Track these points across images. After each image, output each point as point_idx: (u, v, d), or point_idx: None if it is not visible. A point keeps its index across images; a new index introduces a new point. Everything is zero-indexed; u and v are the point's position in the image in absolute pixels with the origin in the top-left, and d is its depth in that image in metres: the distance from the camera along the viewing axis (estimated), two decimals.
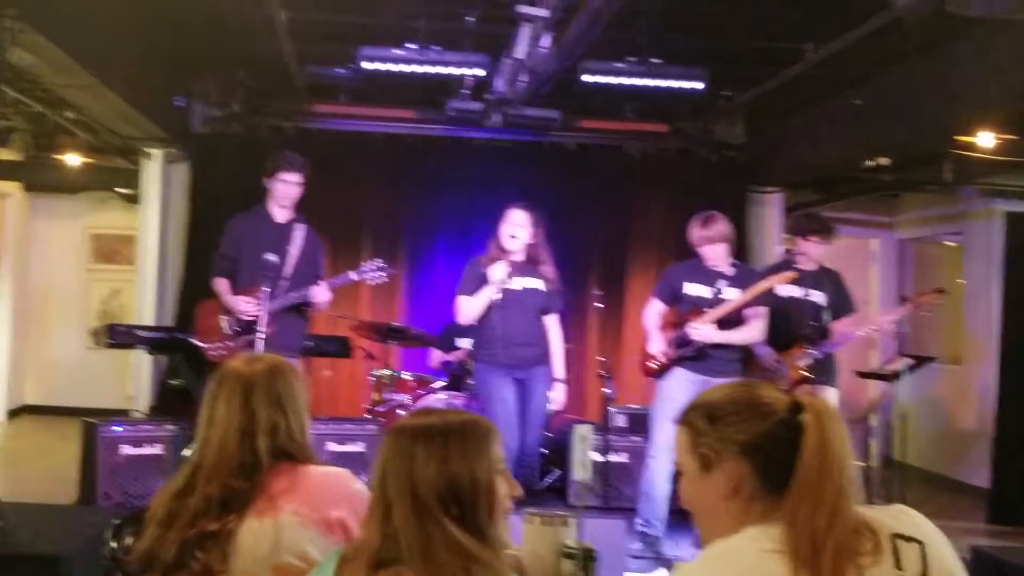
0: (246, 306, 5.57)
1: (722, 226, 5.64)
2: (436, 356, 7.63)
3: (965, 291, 8.82)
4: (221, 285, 5.73)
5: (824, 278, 6.15)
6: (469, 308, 5.48)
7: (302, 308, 5.76)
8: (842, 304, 6.22)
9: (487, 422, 1.89)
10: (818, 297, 6.05)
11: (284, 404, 2.28)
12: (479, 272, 5.48)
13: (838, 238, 9.51)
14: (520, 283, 5.46)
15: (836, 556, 1.52)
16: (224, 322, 5.70)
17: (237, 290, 5.67)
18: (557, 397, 5.62)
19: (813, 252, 6.08)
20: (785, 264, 6.17)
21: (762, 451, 1.66)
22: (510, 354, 5.38)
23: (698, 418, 1.77)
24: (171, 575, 2.10)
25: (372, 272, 5.79)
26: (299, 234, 5.78)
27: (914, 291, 9.11)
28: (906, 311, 6.21)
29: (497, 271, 5.40)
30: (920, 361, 6.83)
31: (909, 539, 1.61)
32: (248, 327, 5.56)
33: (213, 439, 2.24)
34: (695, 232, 5.70)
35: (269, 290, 5.44)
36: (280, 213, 5.80)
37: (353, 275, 5.78)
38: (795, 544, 1.53)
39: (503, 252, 5.47)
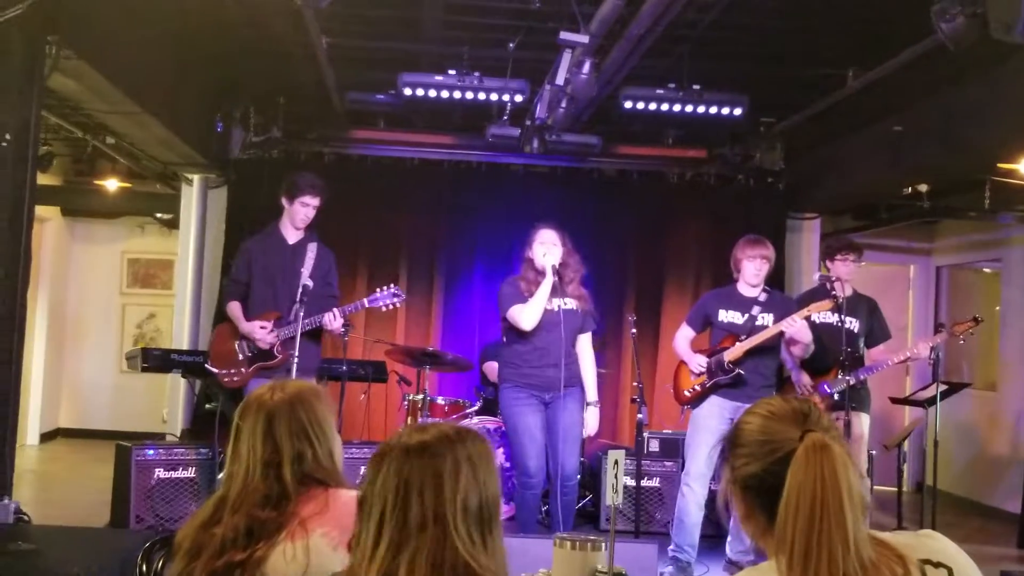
0: (263, 333, 5.54)
1: (765, 248, 5.69)
2: (493, 370, 7.52)
3: (1000, 317, 8.74)
4: (235, 310, 5.71)
5: (859, 304, 6.14)
6: (532, 310, 5.32)
7: (315, 331, 5.70)
8: (877, 331, 6.24)
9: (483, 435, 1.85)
10: (853, 324, 6.03)
11: (309, 432, 2.26)
12: (519, 289, 5.40)
13: (876, 264, 9.53)
14: (555, 304, 5.36)
15: None
16: (238, 348, 5.67)
17: (251, 315, 5.64)
18: (591, 421, 5.54)
19: (843, 271, 6.09)
20: (822, 290, 6.14)
21: (759, 488, 1.66)
22: (539, 375, 5.29)
23: (727, 446, 1.76)
24: None
25: (385, 299, 5.75)
26: (311, 254, 5.71)
27: (950, 318, 9.04)
28: (942, 339, 6.17)
29: (550, 258, 5.32)
30: (954, 387, 6.78)
31: (937, 564, 1.61)
32: (263, 353, 5.57)
33: (238, 472, 2.23)
34: (741, 248, 5.72)
35: (277, 310, 5.51)
36: (294, 234, 5.77)
37: (365, 302, 5.76)
38: None
39: (537, 272, 5.39)
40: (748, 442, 1.69)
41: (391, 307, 5.85)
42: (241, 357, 5.65)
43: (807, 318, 5.61)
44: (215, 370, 5.72)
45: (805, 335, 5.57)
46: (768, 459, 1.64)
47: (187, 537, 2.18)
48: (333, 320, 5.57)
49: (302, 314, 5.47)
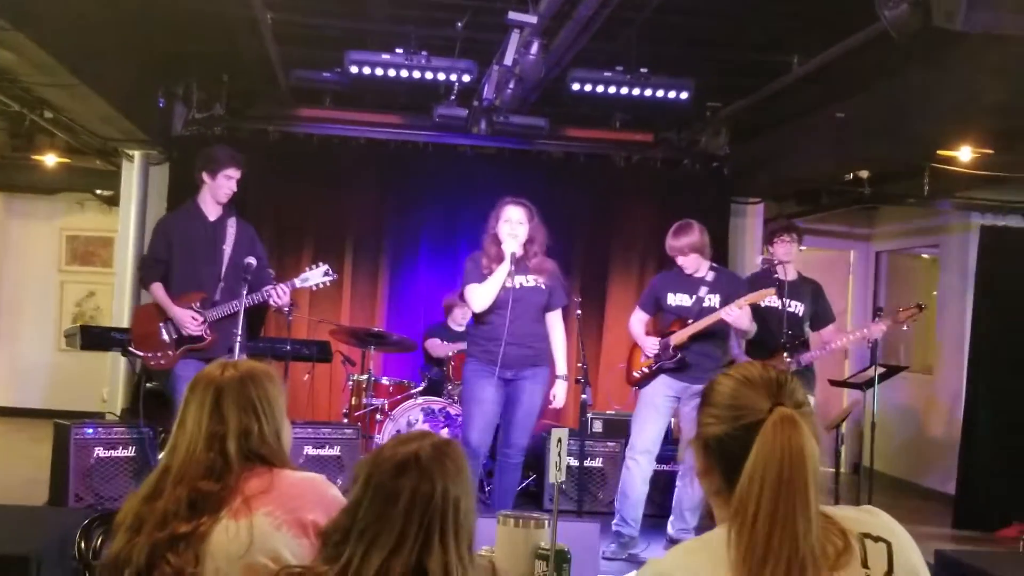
0: (193, 325, 5.39)
1: (691, 237, 5.69)
2: (438, 348, 7.51)
3: (938, 302, 8.93)
4: (160, 292, 5.48)
5: (803, 288, 6.23)
6: (485, 290, 5.28)
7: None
8: (821, 314, 6.32)
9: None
10: (797, 307, 6.13)
11: (257, 408, 2.26)
12: (480, 267, 5.35)
13: (817, 249, 9.67)
14: (518, 281, 5.32)
15: (786, 568, 1.51)
16: (163, 329, 5.48)
17: (173, 292, 5.46)
18: (560, 393, 5.55)
19: (782, 253, 6.17)
20: (766, 274, 6.23)
21: (720, 450, 1.67)
22: (501, 353, 5.24)
23: (702, 395, 1.78)
24: None
25: (316, 277, 5.65)
26: (231, 229, 5.58)
27: (890, 303, 9.22)
28: (887, 325, 6.27)
29: (510, 244, 5.26)
30: (891, 370, 6.92)
31: (877, 539, 1.63)
32: (187, 336, 5.43)
33: (181, 444, 2.22)
34: (668, 243, 5.81)
35: (201, 291, 5.41)
36: (214, 210, 5.58)
37: (296, 282, 5.62)
38: (740, 552, 1.53)
39: (499, 249, 5.32)
40: (717, 403, 1.70)
41: (322, 286, 5.76)
42: (167, 339, 5.46)
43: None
44: (140, 353, 5.55)
45: (743, 322, 5.63)
46: (733, 424, 1.65)
47: (129, 511, 2.16)
48: (282, 296, 5.48)
49: (241, 294, 5.36)
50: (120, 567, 2.10)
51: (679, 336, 5.63)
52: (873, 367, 6.53)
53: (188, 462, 2.18)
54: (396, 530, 1.72)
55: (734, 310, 5.52)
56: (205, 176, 5.53)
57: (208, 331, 5.42)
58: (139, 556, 2.08)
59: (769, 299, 5.98)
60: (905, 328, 6.49)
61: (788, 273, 6.13)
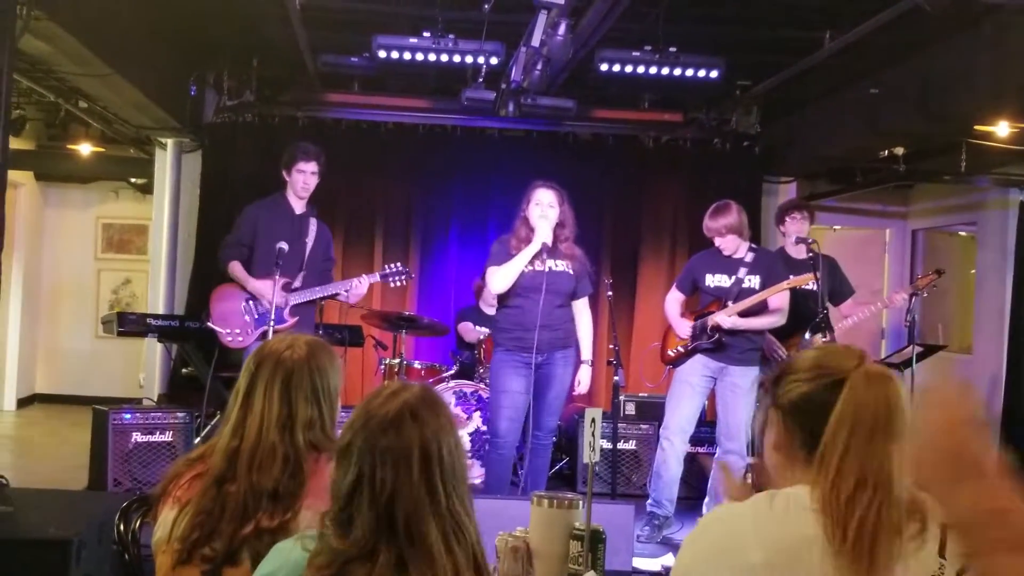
0: (270, 291, 5.51)
1: (729, 218, 5.63)
2: (470, 332, 7.55)
3: (976, 281, 8.80)
4: (238, 269, 5.70)
5: (822, 266, 6.16)
6: (505, 272, 5.27)
7: (317, 299, 5.82)
8: (840, 289, 6.33)
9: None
10: (816, 285, 6.05)
11: (320, 396, 2.24)
12: (509, 250, 5.33)
13: (851, 228, 9.58)
14: (547, 265, 5.30)
15: (872, 529, 1.48)
16: (244, 308, 5.69)
17: (254, 277, 5.67)
18: (584, 379, 5.55)
19: (794, 229, 6.17)
20: (791, 257, 6.17)
21: (801, 411, 1.65)
22: (530, 338, 5.23)
23: (772, 380, 1.75)
24: (220, 567, 2.07)
25: (394, 275, 5.94)
26: (313, 227, 5.82)
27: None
28: (907, 293, 6.23)
29: (544, 231, 5.23)
30: (929, 350, 6.85)
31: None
32: (267, 316, 5.56)
33: (251, 425, 2.19)
34: (706, 223, 5.74)
35: (284, 276, 5.52)
36: (299, 204, 5.82)
37: (377, 276, 5.93)
38: (824, 506, 1.52)
39: (532, 232, 5.30)
40: (800, 369, 1.69)
41: (400, 283, 6.06)
42: (248, 318, 5.67)
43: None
44: (217, 328, 5.70)
45: (738, 325, 5.57)
46: (820, 381, 1.63)
47: (201, 494, 2.12)
48: (362, 287, 5.78)
49: (314, 285, 5.67)
50: (191, 548, 2.08)
51: (716, 318, 5.57)
52: (911, 346, 6.47)
53: (261, 447, 2.16)
54: (420, 492, 1.67)
55: (728, 318, 5.52)
56: (284, 173, 5.79)
57: (289, 314, 5.58)
58: (221, 544, 2.07)
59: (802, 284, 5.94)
60: (925, 295, 6.45)
61: (801, 251, 6.08)
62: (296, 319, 5.64)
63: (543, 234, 5.24)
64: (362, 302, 7.39)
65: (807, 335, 5.83)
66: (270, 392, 2.21)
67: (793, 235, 6.17)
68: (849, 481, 1.49)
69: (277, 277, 5.47)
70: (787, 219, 6.27)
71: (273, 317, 5.41)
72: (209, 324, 5.77)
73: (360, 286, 5.78)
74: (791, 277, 5.60)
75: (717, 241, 5.68)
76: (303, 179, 5.73)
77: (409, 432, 1.68)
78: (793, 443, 1.67)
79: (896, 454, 1.51)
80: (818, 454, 1.55)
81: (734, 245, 5.66)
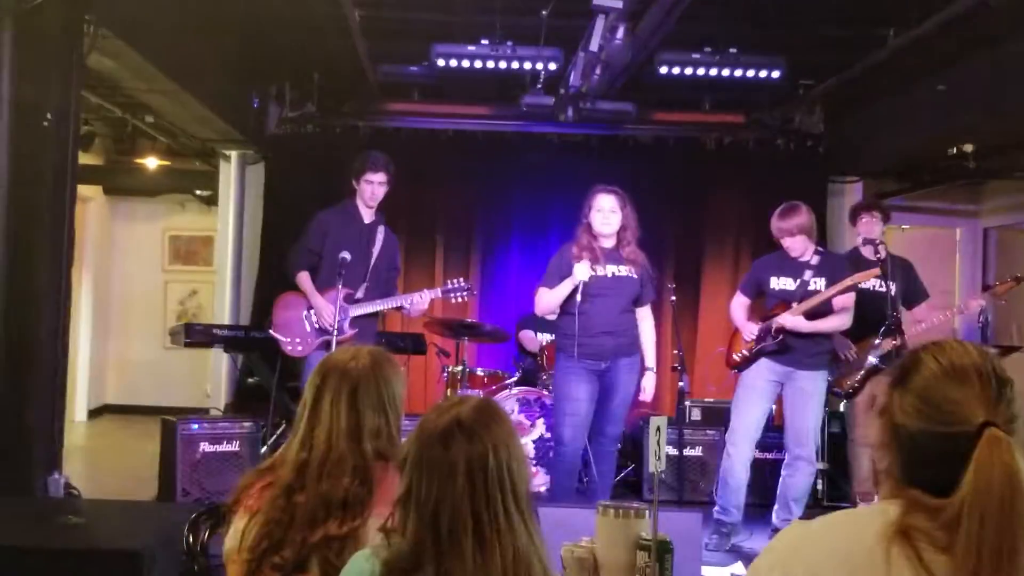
0: (329, 317, 5.55)
1: (800, 218, 5.53)
2: (531, 341, 7.55)
3: None
4: (306, 281, 5.72)
5: (895, 267, 6.05)
6: (548, 300, 5.34)
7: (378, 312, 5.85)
8: (914, 291, 6.21)
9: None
10: (889, 287, 5.92)
11: (387, 408, 2.27)
12: (567, 262, 5.32)
13: (920, 227, 9.39)
14: (610, 270, 5.29)
15: None
16: (306, 317, 5.72)
17: (320, 286, 5.69)
18: (648, 386, 5.50)
19: (866, 231, 6.07)
20: (853, 256, 6.08)
21: (913, 445, 1.55)
22: (594, 344, 5.21)
23: (902, 368, 1.61)
24: (292, 574, 2.09)
25: (457, 291, 5.95)
26: (380, 236, 5.84)
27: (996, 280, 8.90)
28: (984, 300, 6.08)
29: (581, 271, 5.21)
30: (1005, 351, 6.67)
31: None
32: (329, 328, 5.60)
33: (319, 436, 2.21)
34: (774, 224, 5.63)
35: (346, 287, 5.54)
36: (368, 214, 5.85)
37: (439, 292, 5.93)
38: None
39: (595, 238, 5.31)
40: (920, 393, 1.55)
41: (461, 299, 6.08)
42: (308, 328, 5.71)
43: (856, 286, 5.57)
44: (278, 336, 5.75)
45: (802, 326, 5.45)
46: (932, 425, 1.52)
47: (273, 505, 2.15)
48: (423, 302, 5.78)
49: (377, 296, 5.69)
50: (261, 558, 2.11)
51: (782, 319, 5.49)
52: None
53: (330, 457, 2.18)
54: (462, 505, 1.67)
55: (791, 318, 5.42)
56: (353, 182, 5.82)
57: (350, 326, 5.59)
58: (291, 552, 2.09)
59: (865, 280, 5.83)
60: (1004, 302, 6.31)
61: (876, 252, 5.95)
62: (356, 331, 5.63)
63: (580, 274, 5.20)
64: (427, 309, 7.44)
65: (878, 339, 5.72)
66: (337, 403, 2.23)
67: (863, 235, 6.06)
68: (986, 562, 1.42)
69: (340, 287, 5.49)
70: (859, 220, 6.19)
71: (336, 329, 5.43)
72: (271, 332, 5.81)
73: (421, 302, 5.78)
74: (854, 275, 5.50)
75: (786, 242, 5.57)
76: (371, 189, 5.75)
77: (458, 446, 1.69)
78: (888, 453, 1.60)
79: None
80: (948, 519, 1.46)
81: (803, 246, 5.56)
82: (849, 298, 5.51)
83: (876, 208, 6.22)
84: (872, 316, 5.82)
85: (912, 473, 1.55)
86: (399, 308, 5.90)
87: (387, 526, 1.75)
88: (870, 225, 6.11)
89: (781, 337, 5.48)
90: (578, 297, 5.21)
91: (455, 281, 6.01)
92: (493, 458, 1.69)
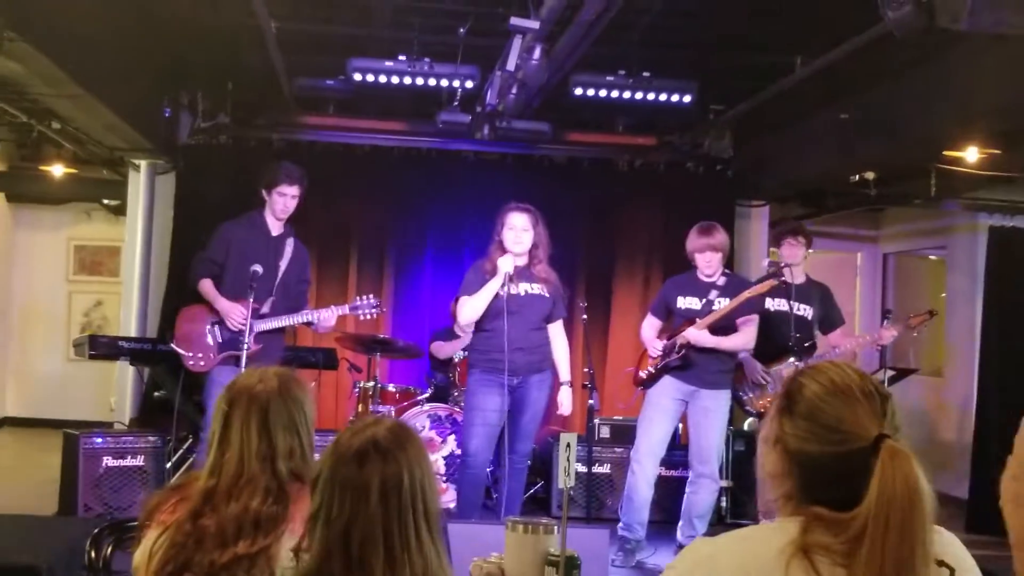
0: (238, 317, 5.47)
1: (722, 236, 5.71)
2: (443, 348, 7.54)
3: (947, 304, 8.88)
4: (209, 288, 5.59)
5: (812, 291, 6.19)
6: (473, 305, 5.30)
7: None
8: (831, 317, 6.28)
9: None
10: (806, 311, 6.09)
11: (298, 426, 2.27)
12: (482, 276, 5.35)
13: (823, 252, 9.64)
14: (522, 288, 5.34)
15: None
16: (209, 331, 5.60)
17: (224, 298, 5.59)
18: (565, 400, 5.55)
19: (790, 255, 6.12)
20: (773, 276, 6.20)
21: (813, 467, 1.60)
22: (502, 360, 5.23)
23: (786, 396, 1.66)
24: None
25: (366, 308, 5.89)
26: (289, 248, 5.74)
27: (899, 306, 9.20)
28: (899, 331, 6.22)
29: (506, 262, 5.25)
30: (901, 373, 6.89)
31: (940, 563, 1.56)
32: (234, 340, 5.50)
33: (230, 460, 2.20)
34: (694, 239, 5.72)
35: (253, 301, 5.42)
36: (275, 226, 5.75)
37: (346, 308, 5.86)
38: None
39: (503, 254, 5.34)
40: (811, 416, 1.60)
41: (370, 316, 6.00)
42: (211, 341, 5.57)
43: (761, 306, 5.70)
44: (180, 351, 5.60)
45: (704, 340, 5.53)
46: (830, 447, 1.57)
47: (176, 528, 2.14)
48: (331, 318, 5.71)
49: (283, 310, 5.59)
50: None
51: (686, 333, 5.56)
52: (883, 370, 6.51)
53: (240, 481, 2.18)
54: (374, 525, 1.68)
55: (697, 331, 5.51)
56: (263, 192, 5.70)
57: (254, 340, 5.46)
58: (199, 572, 2.08)
59: (780, 302, 5.96)
60: (916, 335, 6.45)
61: (796, 276, 6.08)
62: (261, 346, 5.51)
63: (505, 266, 5.26)
64: (336, 324, 7.37)
65: (791, 359, 5.85)
66: (247, 427, 2.22)
67: (786, 260, 6.11)
68: (890, 569, 1.48)
69: (250, 301, 5.39)
70: (783, 243, 6.20)
71: (246, 342, 5.34)
72: (172, 345, 5.68)
73: (328, 318, 5.71)
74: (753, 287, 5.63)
75: (706, 257, 5.66)
76: (283, 202, 5.65)
77: (372, 466, 1.70)
78: (786, 481, 1.64)
79: (926, 537, 1.50)
80: (852, 531, 1.51)
81: (717, 265, 5.68)
82: (752, 318, 5.64)
83: (800, 232, 6.24)
84: (779, 338, 5.96)
85: (813, 494, 1.59)
86: (307, 324, 5.83)
87: (299, 546, 1.75)
88: (794, 249, 6.13)
89: (683, 351, 5.59)
90: (504, 291, 5.23)
91: (364, 298, 5.95)
92: (407, 478, 1.71)
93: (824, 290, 6.31)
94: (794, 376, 1.68)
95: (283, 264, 5.69)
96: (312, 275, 7.89)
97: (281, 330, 5.76)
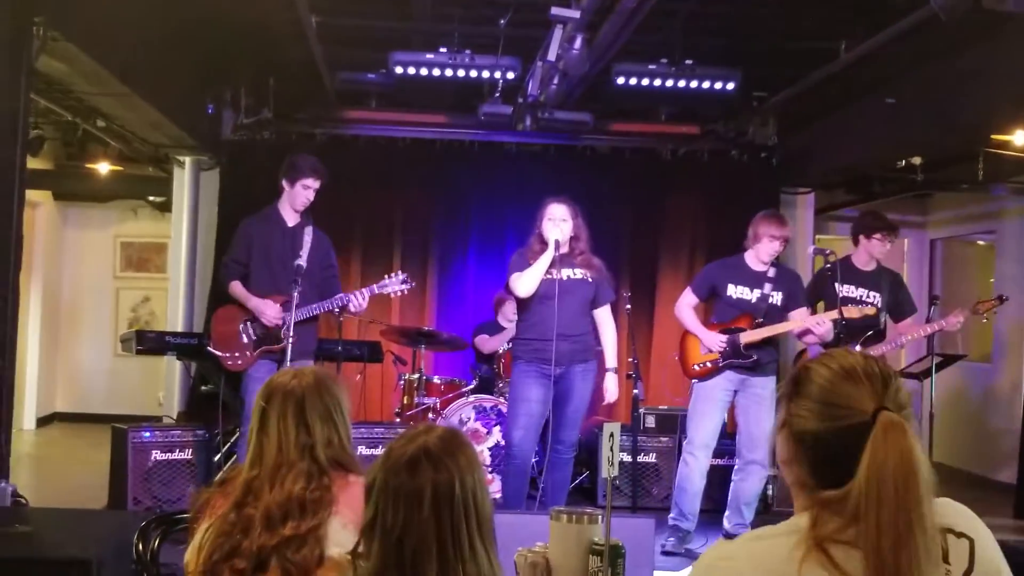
0: (272, 311, 5.50)
1: (789, 229, 5.70)
2: (487, 342, 7.54)
3: (995, 290, 8.76)
4: (239, 289, 5.63)
5: (882, 278, 6.05)
6: (529, 276, 5.29)
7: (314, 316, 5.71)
8: (903, 304, 6.15)
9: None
10: (875, 298, 5.95)
11: (335, 418, 2.34)
12: (526, 260, 5.36)
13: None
14: (564, 274, 5.33)
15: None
16: (242, 330, 5.62)
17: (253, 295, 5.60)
18: (612, 387, 5.53)
19: (877, 251, 6.03)
20: (829, 272, 6.05)
21: (815, 447, 1.61)
22: (548, 348, 5.23)
23: (792, 381, 1.68)
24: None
25: (395, 285, 5.78)
26: (308, 238, 5.71)
27: (947, 292, 9.08)
28: (966, 317, 6.09)
29: (552, 230, 5.27)
30: (949, 359, 6.79)
31: (959, 534, 1.59)
32: (268, 336, 5.54)
33: (269, 452, 2.28)
34: (766, 224, 5.62)
35: (296, 296, 5.41)
36: (292, 217, 5.73)
37: (375, 288, 5.76)
38: (869, 564, 1.49)
39: (543, 244, 5.35)
40: (813, 395, 1.61)
41: (400, 293, 5.87)
42: (246, 340, 5.60)
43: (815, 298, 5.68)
44: (217, 352, 5.65)
45: (828, 335, 5.52)
46: (831, 423, 1.58)
47: (221, 519, 2.22)
48: (361, 301, 5.62)
49: (314, 299, 5.53)
50: (213, 568, 2.16)
51: (752, 336, 5.53)
52: (930, 356, 6.42)
53: (280, 470, 2.25)
54: (427, 533, 1.70)
55: (826, 322, 5.46)
56: (284, 183, 5.69)
57: (286, 333, 5.47)
58: (246, 559, 2.15)
59: (849, 288, 5.86)
60: (985, 320, 6.35)
61: (868, 263, 6.02)
62: (296, 338, 5.48)
63: (554, 234, 5.27)
64: (382, 318, 7.40)
65: (857, 345, 5.77)
66: (284, 420, 2.29)
67: (863, 252, 6.04)
68: (887, 547, 1.47)
69: (295, 295, 5.37)
70: (874, 237, 6.02)
71: (288, 337, 5.34)
72: (209, 348, 5.74)
73: (361, 301, 5.63)
74: (849, 306, 5.58)
75: (773, 246, 5.59)
76: (306, 195, 5.65)
77: (423, 474, 1.72)
78: (799, 467, 1.65)
79: (923, 508, 1.49)
80: (850, 507, 1.52)
81: (775, 255, 5.65)
82: (827, 334, 5.55)
83: (896, 232, 6.12)
84: (858, 325, 5.84)
85: (819, 475, 1.60)
86: (341, 310, 5.74)
87: (356, 551, 1.78)
88: (882, 245, 6.01)
89: (754, 356, 5.53)
90: (547, 275, 5.24)
91: (392, 275, 5.84)
92: (459, 487, 1.72)
93: (895, 277, 6.21)
94: (803, 363, 1.70)
95: (304, 254, 5.64)
96: (356, 269, 7.94)
97: (313, 320, 5.71)
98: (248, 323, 5.61)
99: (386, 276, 5.86)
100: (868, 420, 1.54)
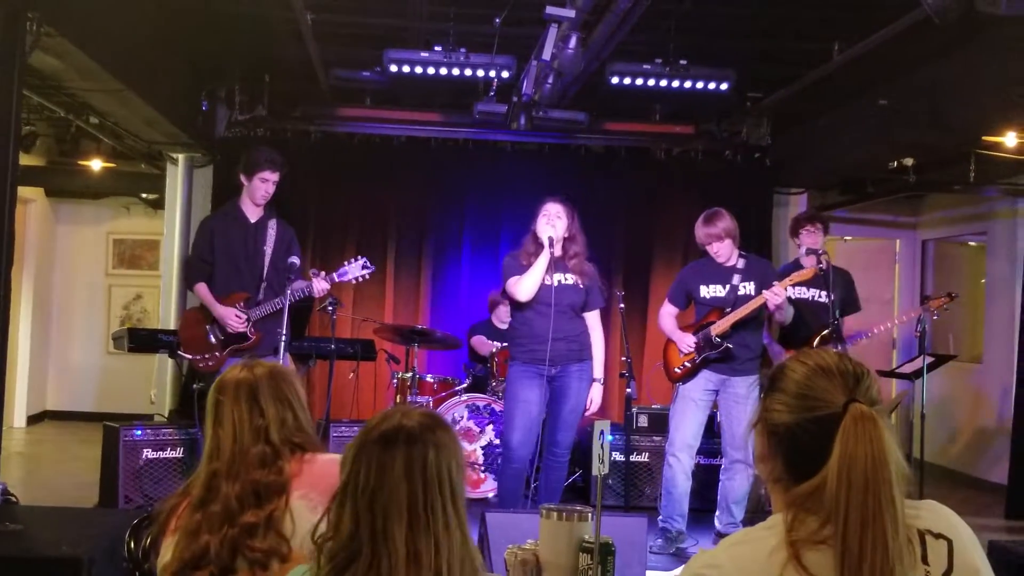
0: (237, 322, 5.46)
1: (725, 222, 5.66)
2: (483, 345, 7.54)
3: (986, 290, 8.80)
4: (205, 292, 5.57)
5: (836, 278, 6.10)
6: (528, 279, 5.28)
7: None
8: (850, 303, 6.30)
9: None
10: (825, 297, 6.03)
11: (288, 397, 2.36)
12: (521, 263, 5.35)
13: (862, 239, 9.57)
14: (555, 279, 5.33)
15: (880, 570, 1.49)
16: (209, 331, 5.58)
17: (217, 295, 5.54)
18: (596, 398, 5.51)
19: (811, 243, 6.15)
20: (797, 264, 6.17)
21: (789, 440, 1.65)
22: (543, 349, 5.22)
23: (771, 379, 1.73)
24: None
25: (355, 271, 5.66)
26: (272, 231, 5.65)
27: (934, 292, 9.11)
28: (916, 313, 6.24)
29: (544, 229, 5.28)
30: (940, 360, 6.83)
31: (938, 535, 1.61)
32: (235, 335, 5.51)
33: (225, 443, 2.29)
34: (701, 231, 5.72)
35: (243, 291, 5.45)
36: (254, 212, 5.66)
37: (335, 276, 5.59)
38: (838, 555, 1.52)
39: (538, 245, 5.35)
40: (787, 390, 1.66)
41: (360, 280, 5.73)
42: (213, 341, 5.57)
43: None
44: (188, 356, 5.65)
45: (784, 305, 5.56)
46: (804, 414, 1.62)
47: (184, 518, 2.23)
48: (322, 287, 5.51)
49: (284, 292, 5.38)
50: (189, 569, 2.17)
51: (721, 325, 5.55)
52: (921, 357, 6.46)
53: (237, 458, 2.26)
54: (398, 493, 1.69)
55: (780, 291, 5.44)
56: (243, 178, 5.63)
57: (252, 330, 5.49)
58: (216, 553, 2.16)
59: (801, 289, 5.95)
60: (936, 316, 6.45)
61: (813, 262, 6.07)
62: (261, 334, 5.51)
63: (546, 232, 5.27)
64: (375, 316, 7.38)
65: (815, 344, 5.82)
66: (238, 406, 2.31)
67: (806, 245, 6.16)
68: (854, 538, 1.50)
69: (288, 292, 5.33)
70: (802, 232, 6.31)
71: (285, 335, 5.27)
72: (180, 352, 5.73)
73: (321, 288, 5.51)
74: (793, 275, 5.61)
75: (714, 247, 5.67)
76: (265, 188, 5.58)
77: (398, 446, 1.72)
78: (774, 463, 1.68)
79: (893, 497, 1.52)
80: (827, 501, 1.54)
81: (729, 251, 5.68)
82: (784, 301, 5.57)
83: (818, 220, 6.38)
84: (813, 324, 5.94)
85: (793, 469, 1.63)
86: (305, 297, 5.58)
87: (316, 536, 1.77)
88: (813, 236, 6.24)
89: (724, 345, 5.55)
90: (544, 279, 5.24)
91: (351, 261, 5.70)
92: (433, 457, 1.72)
93: (846, 276, 6.34)
94: (781, 363, 1.74)
95: (268, 249, 5.60)
96: (298, 249, 7.90)
97: (278, 316, 5.48)
98: (215, 324, 5.57)
99: (345, 263, 5.73)
100: (839, 411, 1.58)
